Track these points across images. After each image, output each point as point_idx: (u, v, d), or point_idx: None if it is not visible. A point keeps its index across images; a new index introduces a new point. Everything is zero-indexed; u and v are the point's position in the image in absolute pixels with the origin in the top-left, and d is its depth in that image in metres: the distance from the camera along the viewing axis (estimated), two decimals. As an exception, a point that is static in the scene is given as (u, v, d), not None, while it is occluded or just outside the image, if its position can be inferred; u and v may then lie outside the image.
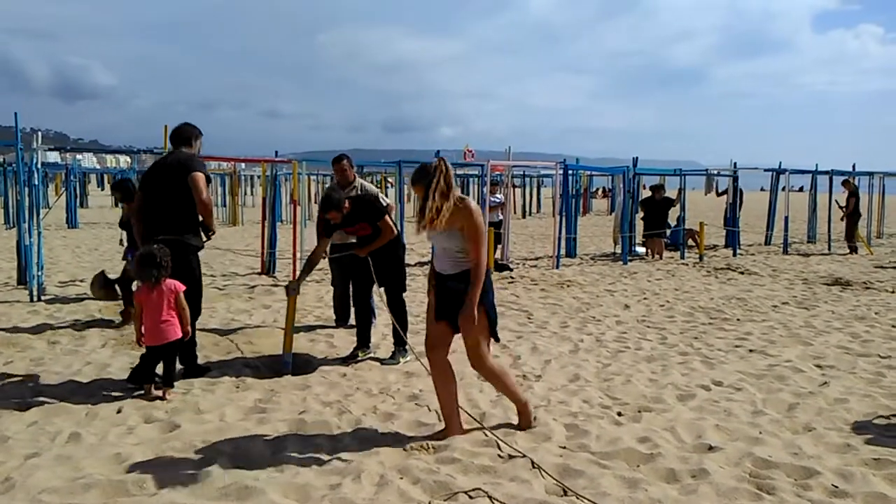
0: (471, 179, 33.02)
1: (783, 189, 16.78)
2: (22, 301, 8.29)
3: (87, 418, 4.38)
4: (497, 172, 13.96)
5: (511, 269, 11.79)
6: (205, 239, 5.49)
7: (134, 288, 5.24)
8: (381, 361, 5.82)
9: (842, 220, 15.70)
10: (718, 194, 17.74)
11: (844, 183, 16.12)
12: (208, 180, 5.28)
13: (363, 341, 6.04)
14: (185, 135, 5.42)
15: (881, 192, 19.40)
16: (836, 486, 3.48)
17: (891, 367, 5.78)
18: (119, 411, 4.50)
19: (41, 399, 4.70)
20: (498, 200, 13.25)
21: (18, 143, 8.57)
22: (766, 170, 17.39)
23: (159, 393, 4.81)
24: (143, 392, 4.84)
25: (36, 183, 8.66)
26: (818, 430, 4.29)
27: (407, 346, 5.79)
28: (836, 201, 15.90)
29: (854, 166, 18.05)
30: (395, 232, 5.85)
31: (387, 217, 5.76)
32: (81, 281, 10.04)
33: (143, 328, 4.83)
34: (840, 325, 7.53)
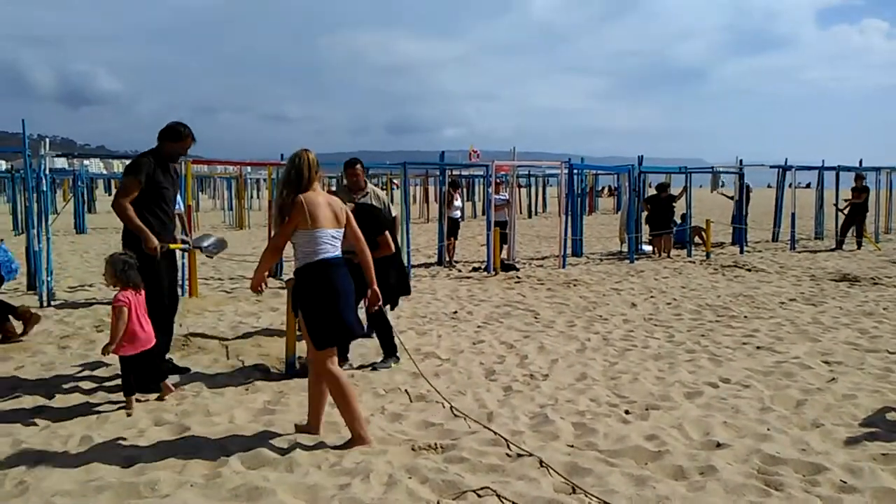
0: (476, 180, 33.04)
1: (790, 185, 16.72)
2: (32, 306, 8.34)
3: (98, 421, 4.41)
4: (502, 172, 13.96)
5: (517, 269, 11.80)
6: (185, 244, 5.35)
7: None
8: (374, 366, 5.72)
9: (843, 211, 15.62)
10: (730, 197, 17.53)
11: (857, 178, 16.01)
12: (147, 183, 4.99)
13: (389, 351, 5.84)
14: (161, 132, 5.22)
15: (888, 188, 19.31)
16: (845, 482, 3.48)
17: (899, 363, 5.76)
18: (129, 414, 4.54)
19: (53, 403, 4.75)
20: (503, 199, 13.25)
21: (26, 149, 8.64)
22: (772, 166, 17.32)
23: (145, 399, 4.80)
24: (125, 406, 4.65)
25: (44, 189, 8.73)
26: (826, 426, 4.29)
27: (398, 353, 5.82)
28: (845, 200, 15.81)
29: (861, 162, 17.96)
30: (392, 249, 5.70)
31: (387, 233, 5.65)
32: (90, 286, 10.12)
33: (122, 336, 4.59)
34: (848, 321, 7.52)
